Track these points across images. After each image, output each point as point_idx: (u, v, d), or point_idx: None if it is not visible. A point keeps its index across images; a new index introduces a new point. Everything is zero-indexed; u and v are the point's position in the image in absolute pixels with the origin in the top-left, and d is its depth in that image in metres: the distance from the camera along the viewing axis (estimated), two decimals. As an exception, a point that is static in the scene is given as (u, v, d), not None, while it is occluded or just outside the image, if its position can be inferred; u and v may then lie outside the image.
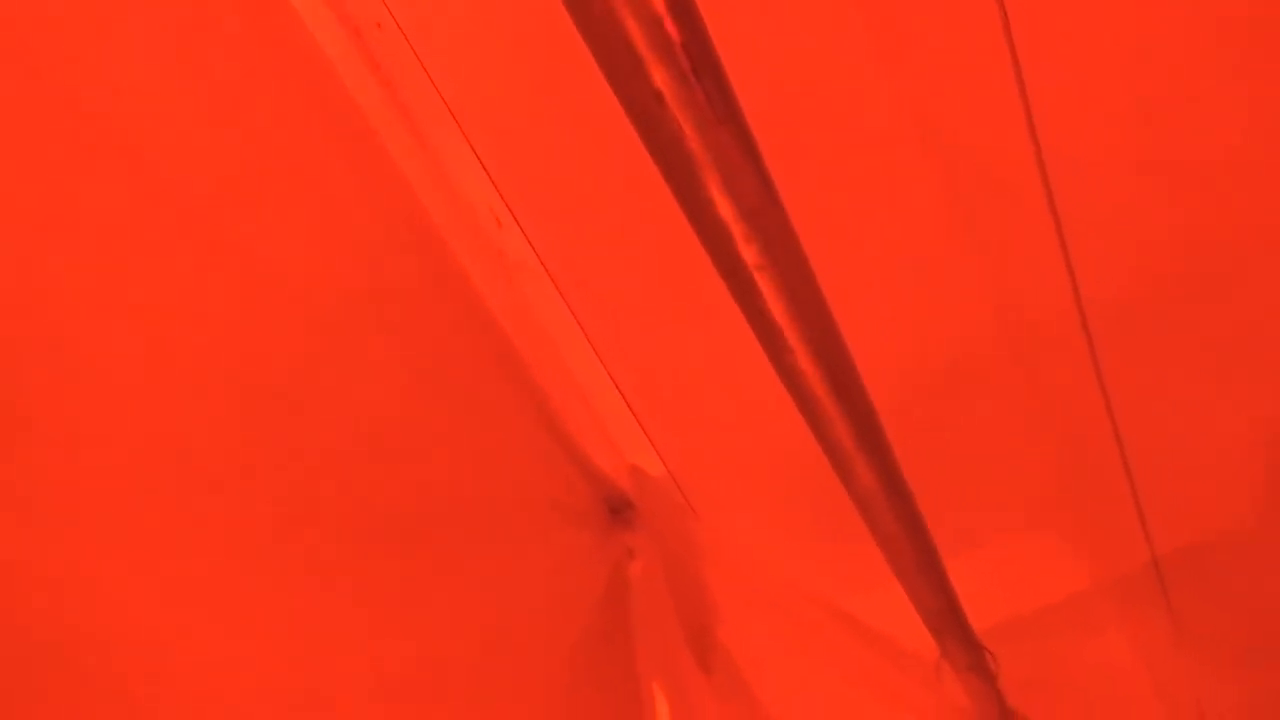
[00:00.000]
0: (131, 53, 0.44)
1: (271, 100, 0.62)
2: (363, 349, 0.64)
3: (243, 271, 0.54)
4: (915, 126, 0.99)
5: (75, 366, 0.35)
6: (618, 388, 1.13)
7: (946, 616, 0.60)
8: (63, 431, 0.34)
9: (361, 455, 0.60)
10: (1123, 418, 1.28)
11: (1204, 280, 1.18)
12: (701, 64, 0.25)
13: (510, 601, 0.72)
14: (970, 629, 0.63)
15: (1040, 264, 1.11)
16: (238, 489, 0.48)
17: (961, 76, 0.97)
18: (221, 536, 0.46)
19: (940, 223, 1.05)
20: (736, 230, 0.29)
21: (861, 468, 0.42)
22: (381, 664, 0.55)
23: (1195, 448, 1.31)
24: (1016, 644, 1.36)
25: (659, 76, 0.25)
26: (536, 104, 1.03)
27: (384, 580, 0.58)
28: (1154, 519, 1.33)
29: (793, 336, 0.32)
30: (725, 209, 0.28)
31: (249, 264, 0.55)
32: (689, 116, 0.25)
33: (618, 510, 0.95)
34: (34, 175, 0.35)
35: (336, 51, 0.90)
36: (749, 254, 0.30)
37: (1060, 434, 1.28)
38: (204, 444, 0.46)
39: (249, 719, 0.44)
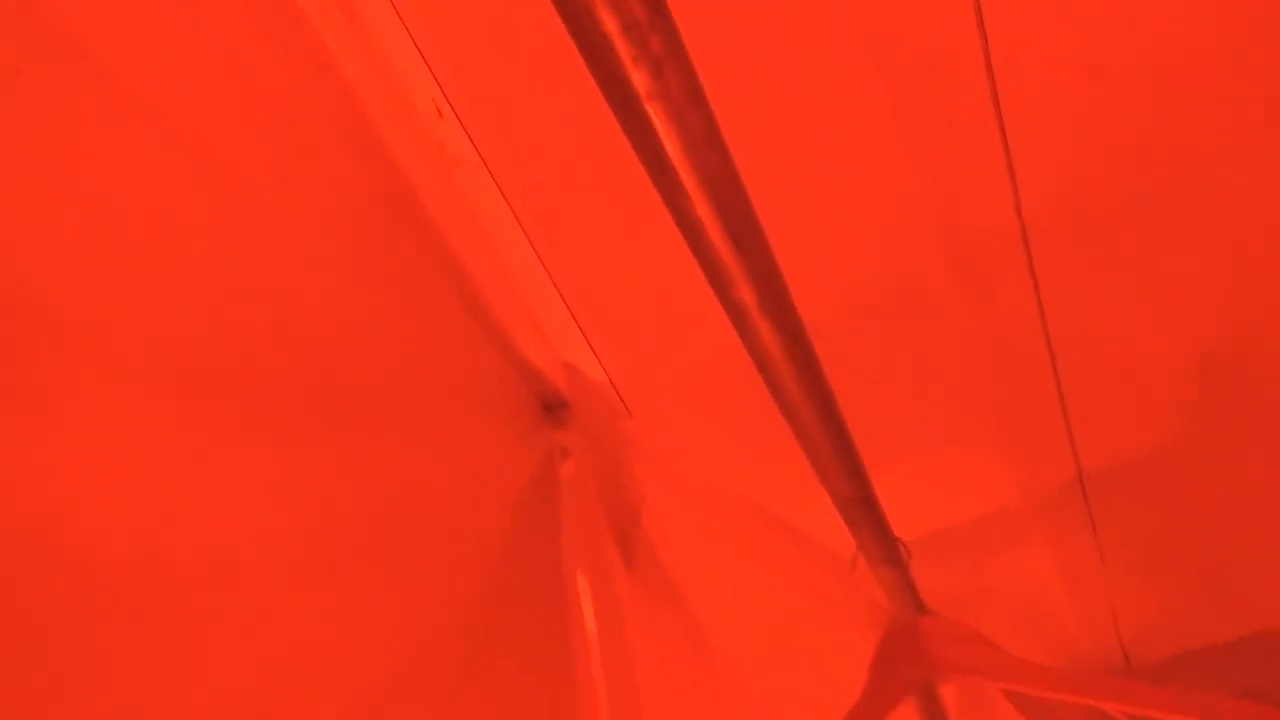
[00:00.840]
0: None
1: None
2: (292, 234, 0.63)
3: (169, 150, 0.52)
4: (861, 22, 0.97)
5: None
6: (556, 286, 1.11)
7: (860, 506, 0.60)
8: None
9: (288, 336, 0.59)
10: (1057, 334, 1.29)
11: (1143, 198, 1.18)
12: None
13: (434, 488, 0.72)
14: (885, 521, 0.64)
15: (984, 175, 1.10)
16: (157, 365, 0.47)
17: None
18: (137, 408, 0.45)
19: (881, 123, 1.04)
20: (622, 49, 0.27)
21: (765, 331, 0.41)
22: (300, 535, 0.54)
23: (1127, 367, 1.33)
24: (941, 557, 1.40)
25: None
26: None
27: (306, 457, 0.58)
28: (1082, 436, 1.36)
29: (687, 178, 0.31)
30: (609, 22, 0.26)
31: (175, 143, 0.53)
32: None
33: (551, 408, 0.94)
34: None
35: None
36: (639, 79, 0.28)
37: (994, 348, 1.29)
38: (126, 320, 0.45)
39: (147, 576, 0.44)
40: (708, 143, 0.31)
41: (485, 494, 0.79)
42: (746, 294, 0.37)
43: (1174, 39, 1.02)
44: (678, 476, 0.94)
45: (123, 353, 0.46)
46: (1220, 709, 0.52)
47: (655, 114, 0.29)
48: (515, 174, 1.11)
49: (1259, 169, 1.17)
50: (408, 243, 0.81)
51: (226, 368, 0.53)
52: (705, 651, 0.86)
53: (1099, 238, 1.23)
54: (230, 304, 0.54)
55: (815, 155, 1.05)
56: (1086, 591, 1.48)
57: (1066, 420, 1.34)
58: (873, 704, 0.58)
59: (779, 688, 0.86)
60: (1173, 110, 1.10)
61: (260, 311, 0.58)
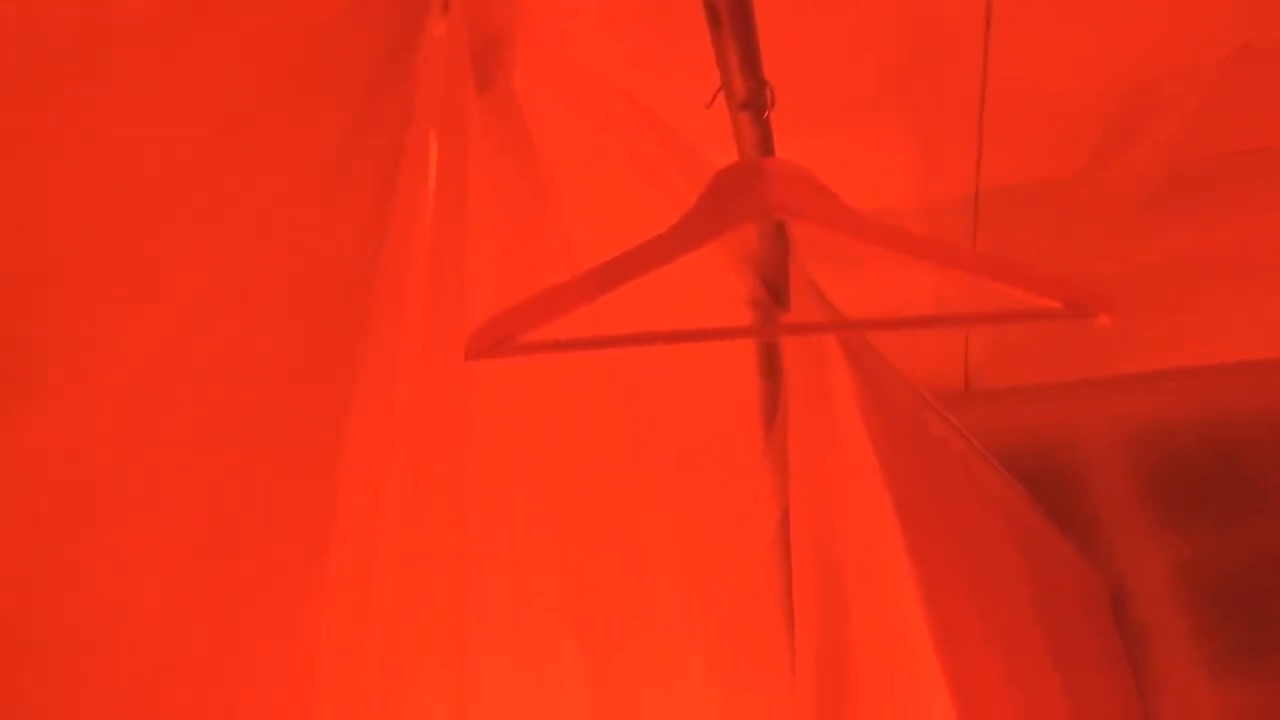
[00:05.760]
0: None
1: None
2: None
3: None
4: None
5: None
6: None
7: (739, 28, 0.53)
8: None
9: None
10: (998, 40, 1.22)
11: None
12: None
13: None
14: (759, 58, 0.57)
15: None
16: None
17: None
18: None
19: None
20: None
21: None
22: None
23: (1051, 90, 1.28)
24: (823, 244, 1.38)
25: None
26: None
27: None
28: (990, 151, 1.32)
29: None
30: None
31: None
32: None
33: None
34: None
35: None
36: None
37: (936, 39, 1.21)
38: None
39: None
40: None
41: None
42: None
43: None
44: (563, 57, 0.86)
45: None
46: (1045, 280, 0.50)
47: None
48: None
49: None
50: None
51: None
52: (548, 233, 0.81)
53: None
54: None
55: None
56: (949, 309, 1.51)
57: (980, 131, 1.30)
58: (692, 228, 0.55)
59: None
60: None
61: None
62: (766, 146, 0.63)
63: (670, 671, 0.77)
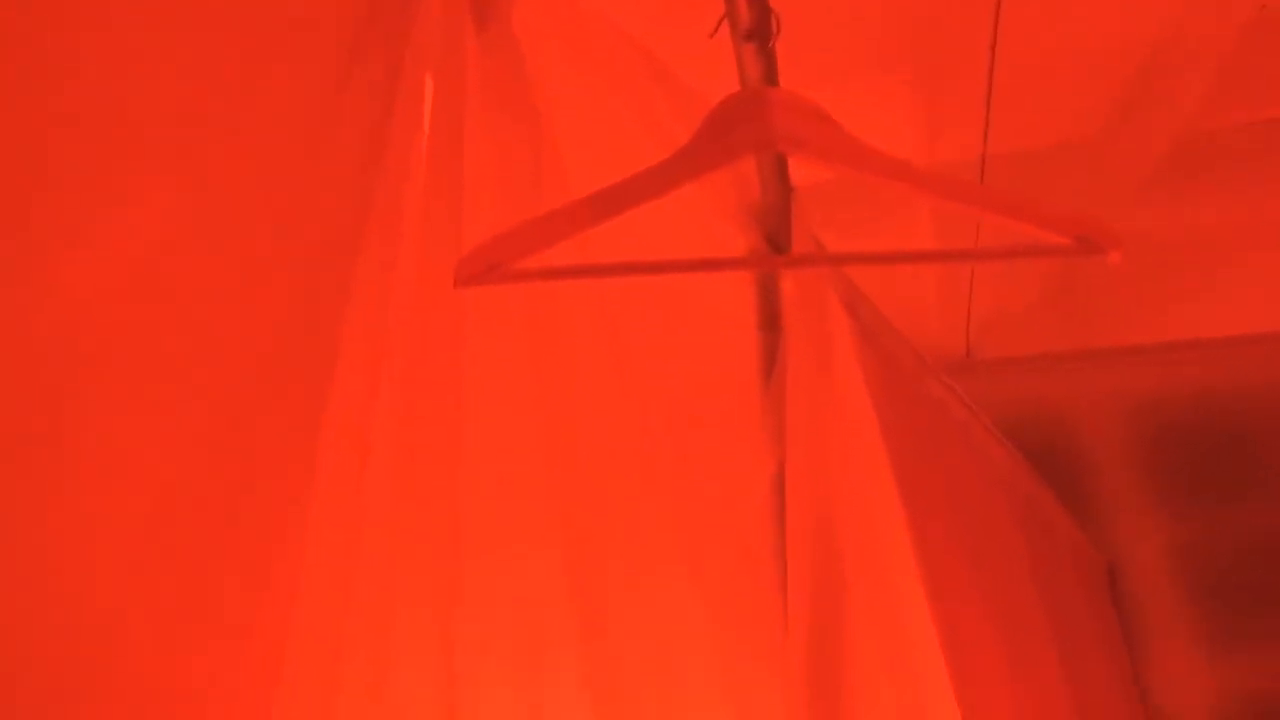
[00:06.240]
0: None
1: None
2: None
3: None
4: None
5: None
6: None
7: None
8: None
9: None
10: (1009, 2, 1.19)
11: None
12: None
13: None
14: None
15: None
16: None
17: None
18: None
19: None
20: None
21: None
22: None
23: (1065, 54, 1.25)
24: (829, 204, 1.36)
25: None
26: None
27: None
28: (998, 115, 1.30)
29: None
30: None
31: None
32: None
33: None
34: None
35: None
36: None
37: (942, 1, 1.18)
38: None
39: None
40: None
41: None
42: None
43: None
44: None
45: None
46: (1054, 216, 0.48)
47: None
48: None
49: None
50: None
51: None
52: (545, 176, 0.80)
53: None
54: None
55: None
56: (955, 275, 1.49)
57: (989, 92, 1.27)
58: (691, 158, 0.53)
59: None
60: None
61: None
62: (771, 79, 0.62)
63: (660, 625, 0.76)
